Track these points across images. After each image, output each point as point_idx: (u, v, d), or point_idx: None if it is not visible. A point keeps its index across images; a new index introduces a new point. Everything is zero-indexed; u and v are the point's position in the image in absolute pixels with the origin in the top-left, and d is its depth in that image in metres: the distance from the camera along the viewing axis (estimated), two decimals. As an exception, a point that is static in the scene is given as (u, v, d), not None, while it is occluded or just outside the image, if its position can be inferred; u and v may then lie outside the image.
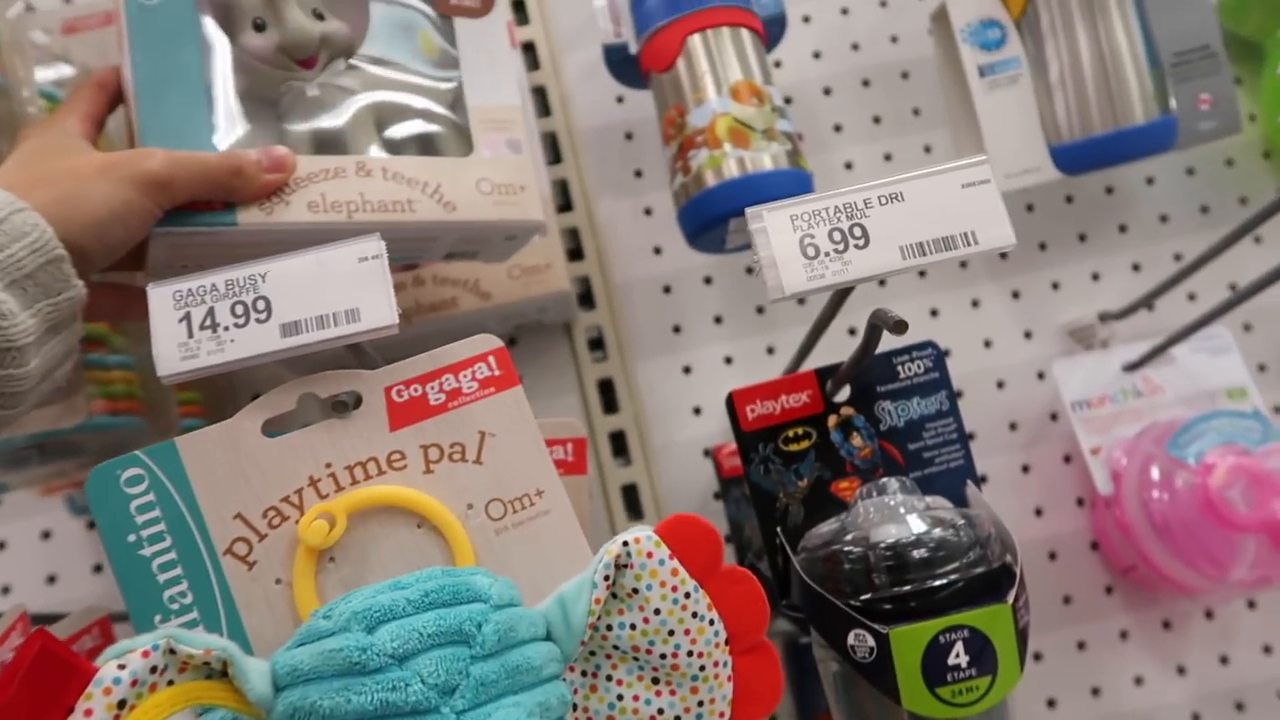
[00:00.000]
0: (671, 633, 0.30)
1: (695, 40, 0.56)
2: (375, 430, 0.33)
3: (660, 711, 0.30)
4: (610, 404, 0.66)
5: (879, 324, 0.35)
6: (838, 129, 0.71)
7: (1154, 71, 0.60)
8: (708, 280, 0.68)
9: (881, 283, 0.68)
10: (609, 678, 0.31)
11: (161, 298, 0.31)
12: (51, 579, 0.62)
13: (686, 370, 0.67)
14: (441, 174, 0.44)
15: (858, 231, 0.33)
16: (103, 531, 0.30)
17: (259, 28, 0.44)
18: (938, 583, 0.36)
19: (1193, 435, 0.57)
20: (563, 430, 0.43)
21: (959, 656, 0.34)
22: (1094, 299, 0.68)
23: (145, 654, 0.26)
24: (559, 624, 0.30)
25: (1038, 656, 0.63)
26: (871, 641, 0.35)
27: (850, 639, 0.35)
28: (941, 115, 0.69)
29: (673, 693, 0.30)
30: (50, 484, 0.56)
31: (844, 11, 0.72)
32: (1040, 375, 0.67)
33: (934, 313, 0.68)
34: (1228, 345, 0.62)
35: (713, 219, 0.54)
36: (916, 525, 0.37)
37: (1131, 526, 0.58)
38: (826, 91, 0.71)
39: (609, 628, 0.30)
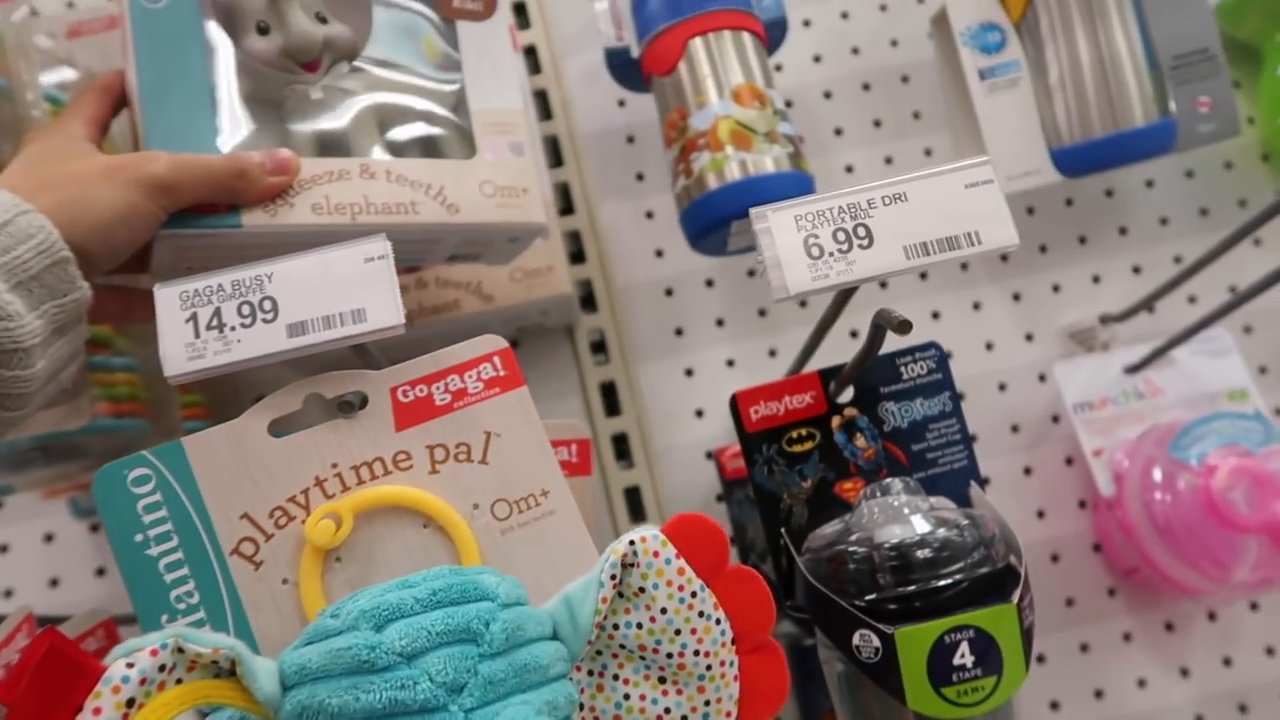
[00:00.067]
0: (678, 632, 0.30)
1: (697, 44, 0.56)
2: (381, 430, 0.33)
3: (667, 711, 0.30)
4: (612, 407, 0.66)
5: (883, 324, 0.35)
6: (838, 132, 0.71)
7: (1153, 74, 0.60)
8: (709, 283, 0.69)
9: (883, 285, 0.68)
10: (615, 677, 0.31)
11: (168, 298, 0.31)
12: (54, 582, 0.62)
13: (688, 373, 0.67)
14: (445, 176, 0.44)
15: (862, 231, 0.33)
16: (110, 531, 0.30)
17: (262, 31, 0.44)
18: (942, 583, 0.36)
19: (1194, 437, 0.58)
20: (567, 431, 0.43)
21: (964, 656, 0.34)
22: (1094, 301, 0.68)
23: (154, 652, 0.26)
24: (565, 623, 0.30)
25: (1040, 659, 0.63)
26: (877, 642, 0.35)
27: (855, 639, 0.35)
28: (941, 118, 0.70)
29: (679, 692, 0.31)
30: (53, 487, 0.56)
31: (844, 15, 0.73)
32: (1041, 377, 0.67)
33: (935, 315, 0.69)
34: (1228, 347, 0.63)
35: (715, 221, 0.54)
36: (921, 526, 0.37)
37: (1134, 528, 0.58)
38: (827, 95, 0.72)
39: (615, 627, 0.30)
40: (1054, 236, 0.70)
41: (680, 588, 0.30)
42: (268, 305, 0.31)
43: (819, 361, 0.44)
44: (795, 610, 0.40)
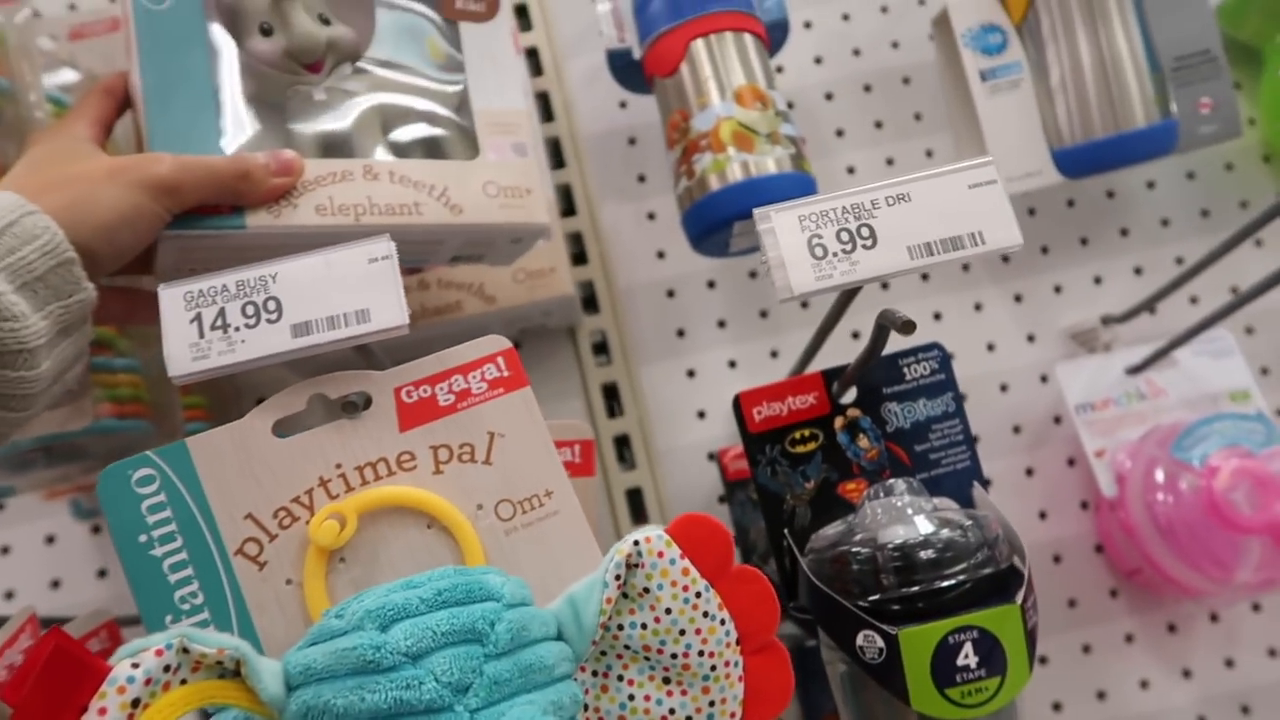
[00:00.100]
0: (683, 632, 0.30)
1: (699, 45, 0.56)
2: (385, 431, 0.33)
3: (671, 711, 0.30)
4: (614, 408, 0.66)
5: (887, 324, 0.35)
6: (839, 134, 0.71)
7: (1154, 76, 0.60)
8: (711, 284, 0.69)
9: (884, 286, 0.68)
10: (620, 678, 0.31)
11: (173, 298, 0.31)
12: (55, 583, 0.62)
13: (690, 374, 0.67)
14: (448, 177, 0.44)
15: (865, 232, 0.33)
16: (114, 532, 0.30)
17: (266, 32, 0.44)
18: (946, 583, 0.36)
19: (1196, 438, 0.58)
20: (570, 432, 0.43)
21: (968, 657, 0.34)
22: (1096, 302, 0.68)
23: (159, 653, 0.26)
24: (570, 624, 0.30)
25: (1043, 660, 0.63)
26: (880, 642, 0.35)
27: (859, 640, 0.35)
28: (942, 120, 0.70)
29: (684, 693, 0.30)
30: (55, 488, 0.56)
31: (845, 17, 0.73)
32: (1043, 378, 0.67)
33: (937, 316, 0.69)
34: (1230, 348, 0.63)
35: (717, 222, 0.54)
36: (924, 526, 0.37)
37: (1136, 529, 0.58)
38: (828, 97, 0.72)
39: (620, 627, 0.30)
40: (1055, 237, 0.70)
41: (685, 588, 0.30)
42: (272, 306, 0.31)
43: (820, 363, 0.44)
44: (798, 611, 0.40)
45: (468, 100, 0.47)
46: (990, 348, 0.68)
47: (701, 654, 0.30)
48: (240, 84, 0.43)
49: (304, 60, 0.44)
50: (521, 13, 0.72)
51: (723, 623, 0.31)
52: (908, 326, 0.34)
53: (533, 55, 0.71)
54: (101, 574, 0.62)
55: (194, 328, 0.31)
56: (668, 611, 0.30)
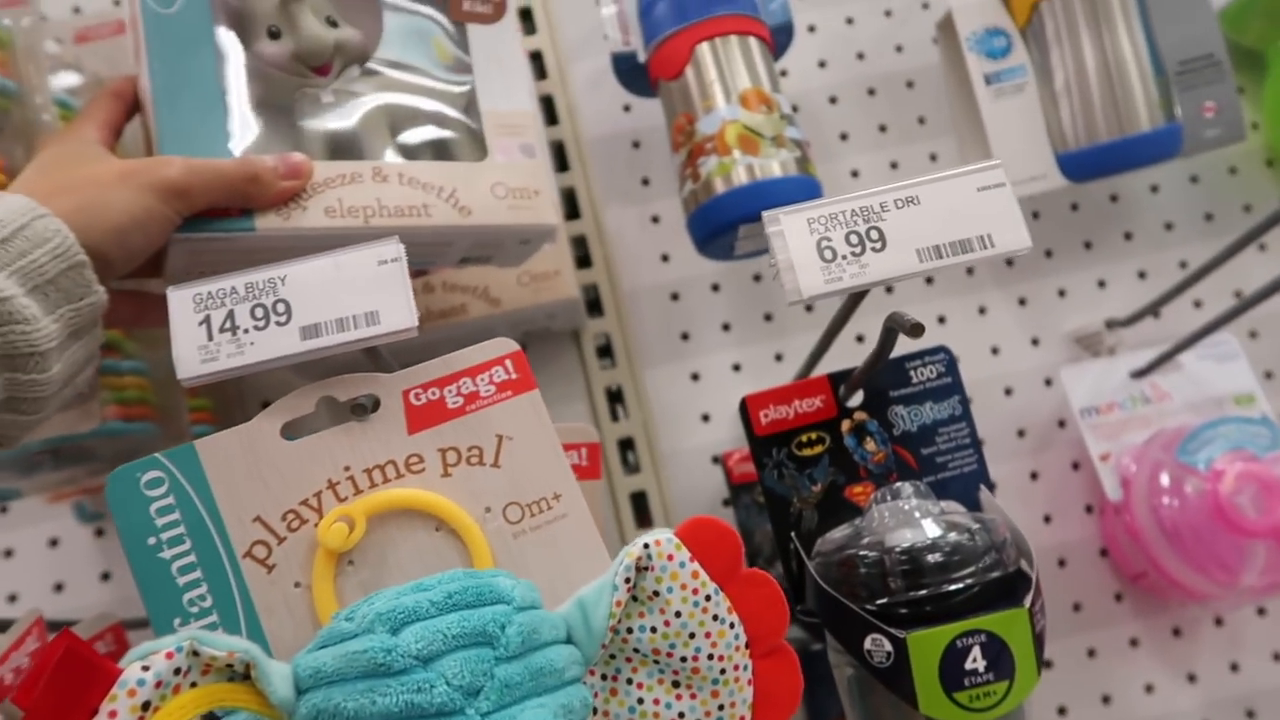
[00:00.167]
0: (692, 635, 0.30)
1: (704, 48, 0.56)
2: (393, 433, 0.33)
3: (681, 715, 0.30)
4: (618, 411, 0.66)
5: (895, 327, 0.35)
6: (843, 137, 0.71)
7: (1159, 79, 0.60)
8: (715, 287, 0.69)
9: (889, 289, 0.68)
10: (629, 681, 0.31)
11: (181, 301, 0.31)
12: (59, 587, 0.62)
13: (695, 377, 0.67)
14: (456, 179, 0.44)
15: (874, 234, 0.33)
16: (122, 534, 0.30)
17: (274, 35, 0.44)
18: (954, 587, 0.36)
19: (1202, 441, 0.58)
20: (577, 435, 0.43)
21: (976, 661, 0.34)
22: (1100, 306, 0.68)
23: (169, 656, 0.26)
24: (579, 627, 0.30)
25: (1047, 664, 0.63)
26: (889, 646, 0.34)
27: (867, 643, 0.35)
28: (946, 123, 0.70)
29: (693, 696, 0.30)
30: (59, 491, 0.56)
31: (849, 21, 0.73)
32: (1048, 382, 0.67)
33: (941, 319, 0.69)
34: (1235, 352, 0.63)
35: (722, 225, 0.54)
36: (932, 530, 0.37)
37: (1141, 533, 0.58)
38: (832, 100, 0.72)
39: (629, 630, 0.30)
40: (1059, 241, 0.70)
41: (694, 591, 0.30)
42: (281, 308, 0.31)
43: (825, 366, 0.44)
44: (804, 615, 0.40)
45: (475, 102, 0.48)
46: (994, 351, 0.68)
47: (711, 657, 0.30)
48: (248, 87, 0.43)
49: (312, 63, 0.44)
50: (526, 16, 0.72)
51: (732, 626, 0.30)
52: (916, 329, 0.34)
53: (537, 58, 0.71)
54: (105, 577, 0.62)
55: (203, 330, 0.31)
56: (677, 615, 0.30)
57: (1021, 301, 0.69)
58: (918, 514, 0.38)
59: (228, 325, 0.31)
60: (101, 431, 0.46)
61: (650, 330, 0.68)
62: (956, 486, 0.42)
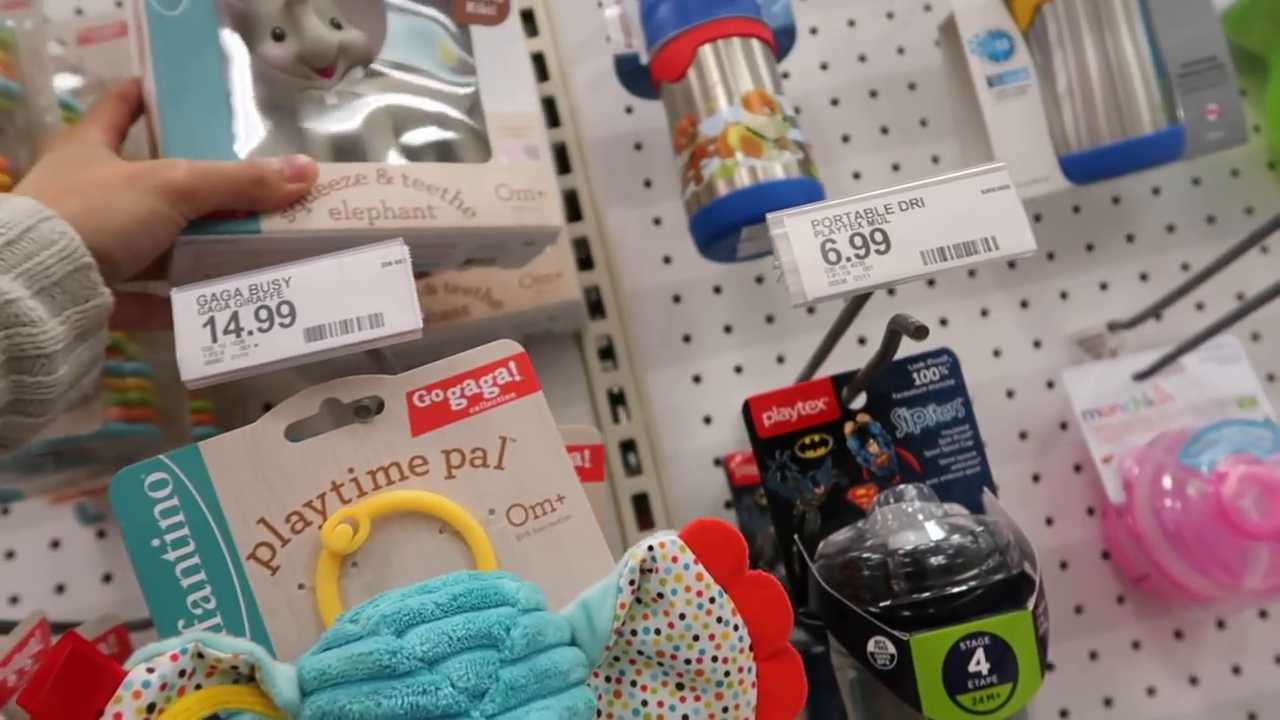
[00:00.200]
0: (696, 638, 0.30)
1: (706, 50, 0.56)
2: (397, 435, 0.33)
3: (685, 717, 0.30)
4: (620, 413, 0.66)
5: (899, 329, 0.35)
6: (845, 139, 0.71)
7: (1161, 82, 0.60)
8: (717, 289, 0.69)
9: (891, 292, 0.68)
10: (633, 683, 0.31)
11: (186, 302, 0.31)
12: (60, 588, 0.62)
13: (696, 379, 0.67)
14: (461, 180, 0.44)
15: (879, 236, 0.33)
16: (126, 536, 0.30)
17: (278, 37, 0.44)
18: (957, 590, 0.36)
19: (1204, 444, 0.57)
20: (580, 437, 0.43)
21: (980, 663, 0.34)
22: (1102, 308, 0.68)
23: (174, 657, 0.26)
24: (583, 629, 0.30)
25: (1049, 666, 0.63)
26: (892, 649, 0.34)
27: (870, 646, 0.35)
28: (948, 125, 0.70)
29: (697, 698, 0.30)
30: (60, 492, 0.56)
31: (851, 23, 0.73)
32: (1050, 384, 0.67)
33: (944, 321, 0.69)
34: (1237, 354, 0.63)
35: (725, 228, 0.54)
36: (935, 532, 0.37)
37: (1144, 535, 0.58)
38: (834, 102, 0.72)
39: (634, 633, 0.30)
40: (1062, 243, 0.70)
41: (699, 593, 0.30)
42: (285, 310, 0.31)
43: (827, 369, 0.44)
44: (807, 617, 0.40)
45: (479, 103, 0.48)
46: (996, 353, 0.68)
47: (715, 660, 0.30)
48: (253, 88, 0.43)
49: (316, 65, 0.45)
50: (528, 18, 0.72)
51: (736, 628, 0.30)
52: (921, 332, 0.33)
53: (539, 60, 0.71)
54: (106, 579, 0.62)
55: (207, 331, 0.31)
56: (681, 617, 0.30)
57: (1024, 304, 0.69)
58: (921, 516, 0.38)
59: (232, 327, 0.31)
60: (104, 433, 0.46)
61: (652, 332, 0.68)
62: (959, 489, 0.42)
